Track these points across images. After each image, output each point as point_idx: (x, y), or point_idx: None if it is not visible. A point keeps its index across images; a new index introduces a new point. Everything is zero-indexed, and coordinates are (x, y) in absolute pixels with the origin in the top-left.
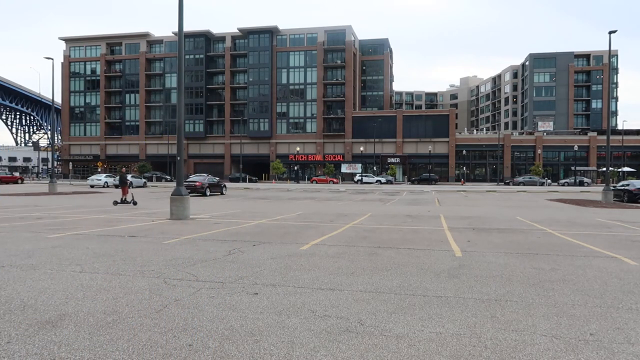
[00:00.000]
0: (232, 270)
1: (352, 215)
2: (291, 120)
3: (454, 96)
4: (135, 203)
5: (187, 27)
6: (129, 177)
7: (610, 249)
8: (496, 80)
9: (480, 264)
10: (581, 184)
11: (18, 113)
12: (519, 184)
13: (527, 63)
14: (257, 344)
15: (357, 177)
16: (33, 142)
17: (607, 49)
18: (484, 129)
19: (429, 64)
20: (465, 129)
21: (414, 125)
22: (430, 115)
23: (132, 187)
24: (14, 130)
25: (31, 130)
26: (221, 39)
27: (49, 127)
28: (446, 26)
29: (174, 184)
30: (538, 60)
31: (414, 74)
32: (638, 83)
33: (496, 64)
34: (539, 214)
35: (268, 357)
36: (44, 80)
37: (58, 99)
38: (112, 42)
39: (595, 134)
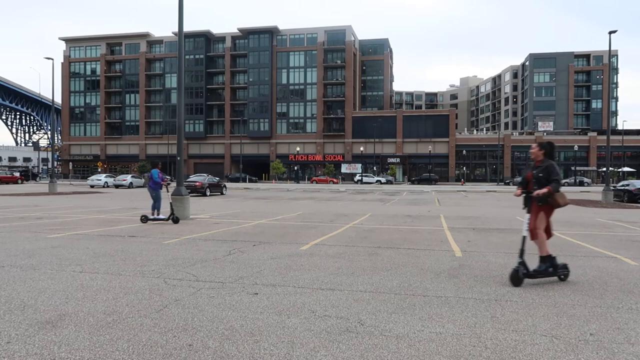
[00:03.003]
0: (232, 270)
1: (352, 215)
2: (291, 120)
3: (454, 96)
4: None
5: (187, 27)
6: (128, 177)
7: (611, 249)
8: (496, 80)
9: (480, 264)
10: (581, 184)
11: (18, 113)
12: (519, 184)
13: (527, 63)
14: (257, 344)
15: (357, 177)
16: (33, 142)
17: (607, 49)
18: (484, 129)
19: (428, 64)
20: (465, 129)
21: (414, 125)
22: (430, 115)
23: (132, 187)
24: (14, 130)
25: (31, 130)
26: (221, 39)
27: (49, 127)
28: (446, 26)
29: (173, 184)
30: (538, 60)
31: (413, 74)
32: (638, 83)
33: (496, 64)
34: None
35: (268, 357)
36: (44, 80)
37: (58, 99)
38: (112, 42)
39: (595, 134)
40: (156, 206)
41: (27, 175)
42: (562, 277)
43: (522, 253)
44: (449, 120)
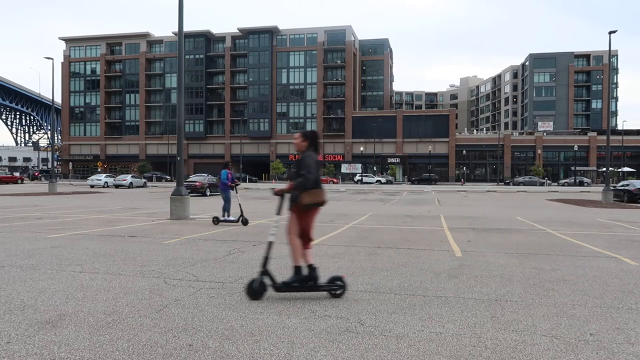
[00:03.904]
0: (232, 270)
1: (352, 215)
2: (291, 120)
3: (454, 96)
4: None
5: (187, 27)
6: (128, 177)
7: (611, 249)
8: (496, 80)
9: (480, 264)
10: (581, 184)
11: (18, 113)
12: (519, 184)
13: (527, 63)
14: (257, 344)
15: (357, 177)
16: (33, 142)
17: (607, 49)
18: (484, 129)
19: (428, 64)
20: (465, 129)
21: (414, 125)
22: (430, 115)
23: (132, 187)
24: (14, 130)
25: (31, 130)
26: (221, 39)
27: (49, 127)
28: (446, 26)
29: (174, 184)
30: (538, 60)
31: (413, 74)
32: (638, 83)
33: (496, 64)
34: (539, 214)
35: (268, 357)
36: (44, 80)
37: (58, 99)
38: (112, 42)
39: (595, 134)
40: (226, 207)
41: (48, 174)
42: (334, 292)
43: (265, 261)
44: (449, 120)
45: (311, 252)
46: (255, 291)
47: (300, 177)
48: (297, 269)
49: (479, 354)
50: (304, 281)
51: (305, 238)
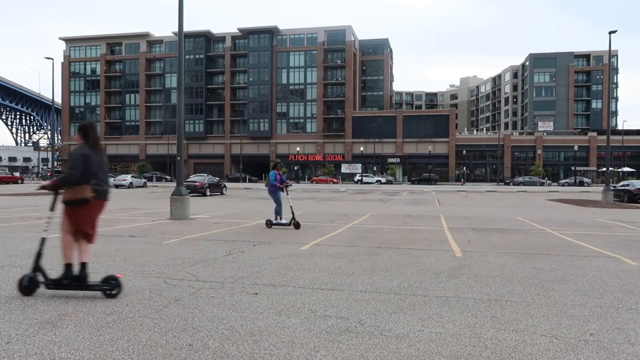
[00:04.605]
0: (232, 270)
1: (352, 215)
2: (291, 120)
3: (454, 96)
4: None
5: (187, 27)
6: (128, 177)
7: (611, 249)
8: (496, 80)
9: (480, 264)
10: (581, 184)
11: (18, 113)
12: (519, 184)
13: (527, 63)
14: (257, 344)
15: (357, 177)
16: (33, 142)
17: (607, 49)
18: (484, 129)
19: (428, 64)
20: (465, 129)
21: (414, 125)
22: (430, 115)
23: (132, 187)
24: (14, 130)
25: (31, 130)
26: (221, 39)
27: (49, 127)
28: (446, 26)
29: (174, 184)
30: (538, 60)
31: (413, 74)
32: (638, 83)
33: (496, 64)
34: (539, 214)
35: (268, 357)
36: (44, 80)
37: (58, 99)
38: (112, 42)
39: (595, 134)
40: (277, 210)
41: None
42: (108, 292)
43: (38, 257)
44: (449, 120)
45: (88, 249)
46: (25, 287)
47: (65, 174)
48: (68, 266)
49: (479, 354)
50: (74, 279)
51: (79, 235)
